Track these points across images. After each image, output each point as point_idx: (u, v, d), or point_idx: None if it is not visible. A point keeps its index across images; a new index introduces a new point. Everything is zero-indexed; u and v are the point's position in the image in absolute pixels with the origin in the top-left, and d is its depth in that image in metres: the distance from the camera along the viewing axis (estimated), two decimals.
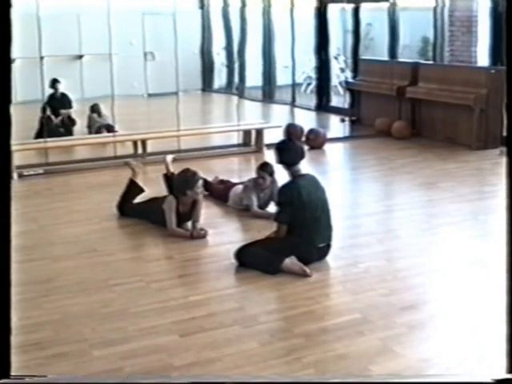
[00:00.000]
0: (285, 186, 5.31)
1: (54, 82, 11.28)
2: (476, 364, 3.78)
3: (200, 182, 6.06)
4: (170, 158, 7.06)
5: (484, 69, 9.86)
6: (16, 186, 7.75)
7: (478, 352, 3.92)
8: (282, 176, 5.64)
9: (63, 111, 11.27)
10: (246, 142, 9.83)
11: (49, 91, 10.88)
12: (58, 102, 11.30)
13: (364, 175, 8.45)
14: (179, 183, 6.06)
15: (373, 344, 4.00)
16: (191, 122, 10.41)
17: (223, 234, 6.16)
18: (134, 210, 6.52)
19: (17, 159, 8.15)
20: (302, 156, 5.34)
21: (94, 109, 10.94)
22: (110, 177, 8.21)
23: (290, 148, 5.40)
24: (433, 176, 8.09)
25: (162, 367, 3.76)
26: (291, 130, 9.78)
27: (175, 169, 6.62)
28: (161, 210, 6.05)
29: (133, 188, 6.68)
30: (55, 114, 11.15)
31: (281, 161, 5.32)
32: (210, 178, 7.48)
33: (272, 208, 6.17)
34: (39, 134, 9.89)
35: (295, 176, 5.27)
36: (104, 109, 10.67)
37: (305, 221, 5.16)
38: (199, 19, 16.04)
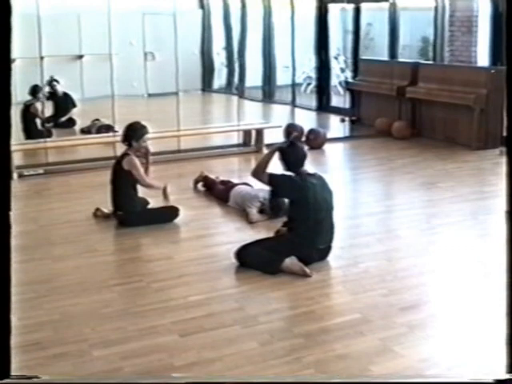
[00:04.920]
0: (292, 177, 5.23)
1: (52, 81, 11.17)
2: (476, 364, 3.78)
3: (147, 136, 6.14)
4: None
5: (484, 69, 9.86)
6: (16, 185, 7.75)
7: (478, 352, 3.93)
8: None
9: (74, 110, 11.32)
10: (246, 142, 9.83)
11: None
12: (61, 101, 11.29)
13: (364, 175, 8.45)
14: (127, 132, 6.17)
15: (373, 344, 4.00)
16: (191, 122, 10.39)
17: (223, 234, 6.17)
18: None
19: (17, 159, 8.14)
20: (304, 158, 5.33)
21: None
22: (110, 177, 8.18)
23: (291, 153, 5.31)
24: (433, 176, 8.09)
25: (162, 367, 3.76)
26: (291, 130, 9.76)
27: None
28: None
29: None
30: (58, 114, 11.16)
31: (288, 169, 5.30)
32: (212, 176, 7.50)
33: None
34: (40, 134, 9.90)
35: (303, 175, 5.24)
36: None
37: (307, 221, 5.16)
38: (199, 19, 16.04)
